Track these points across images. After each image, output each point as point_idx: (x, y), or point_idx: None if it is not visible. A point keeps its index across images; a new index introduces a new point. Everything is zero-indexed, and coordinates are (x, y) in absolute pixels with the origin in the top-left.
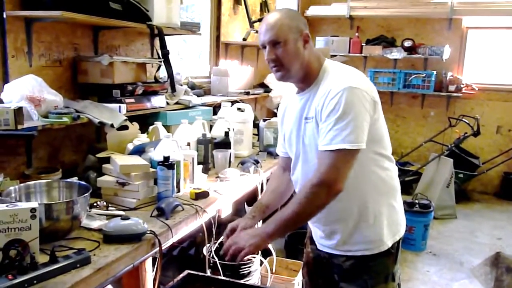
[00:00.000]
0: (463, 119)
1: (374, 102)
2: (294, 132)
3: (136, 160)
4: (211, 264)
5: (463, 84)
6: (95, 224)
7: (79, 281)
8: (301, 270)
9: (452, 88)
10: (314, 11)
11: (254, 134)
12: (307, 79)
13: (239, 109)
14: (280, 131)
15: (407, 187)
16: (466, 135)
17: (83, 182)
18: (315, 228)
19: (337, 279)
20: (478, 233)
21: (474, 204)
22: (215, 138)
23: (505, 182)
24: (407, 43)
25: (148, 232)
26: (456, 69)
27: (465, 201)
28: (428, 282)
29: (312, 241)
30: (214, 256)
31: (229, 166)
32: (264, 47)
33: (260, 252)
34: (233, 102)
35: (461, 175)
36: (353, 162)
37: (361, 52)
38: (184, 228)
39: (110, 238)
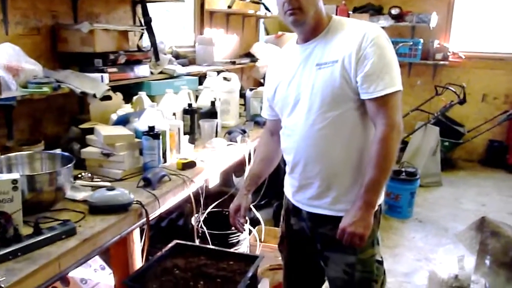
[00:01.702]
0: (449, 88)
1: None
2: (295, 81)
3: (121, 130)
4: (200, 234)
5: (449, 52)
6: (80, 195)
7: (65, 252)
8: (278, 247)
9: (439, 56)
10: None
11: (240, 104)
12: (316, 28)
13: (225, 78)
14: (266, 91)
15: None
16: (452, 103)
17: (66, 153)
18: (305, 191)
19: (320, 248)
20: (463, 200)
21: (459, 171)
22: (201, 108)
23: (489, 149)
24: (394, 11)
25: (135, 202)
26: (443, 37)
27: (450, 168)
28: (413, 248)
29: (295, 213)
30: (203, 226)
31: (216, 136)
32: None
33: (248, 221)
34: (218, 72)
35: (446, 143)
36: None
37: None
38: (171, 198)
39: (96, 209)
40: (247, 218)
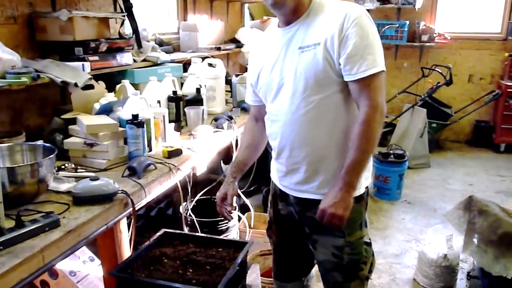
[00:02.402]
0: (436, 69)
1: None
2: (278, 65)
3: (104, 119)
4: (189, 222)
5: (435, 34)
6: (64, 186)
7: (49, 245)
8: (266, 232)
9: (425, 38)
10: None
11: (227, 90)
12: (297, 11)
13: (210, 64)
14: (249, 76)
15: (382, 139)
16: (438, 84)
17: (47, 144)
18: (291, 176)
19: (308, 231)
20: (450, 181)
21: (447, 152)
22: (187, 95)
23: (476, 130)
24: None
25: (120, 192)
26: (428, 18)
27: (438, 150)
28: (403, 229)
29: (282, 198)
30: (191, 213)
31: (202, 123)
32: None
33: (238, 208)
34: (203, 58)
35: (434, 125)
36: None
37: None
38: (157, 187)
39: (80, 200)
40: (235, 205)
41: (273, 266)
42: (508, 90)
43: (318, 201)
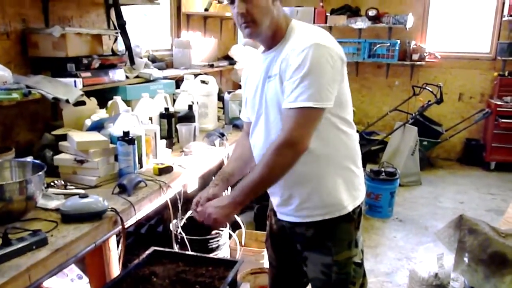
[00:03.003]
0: (427, 87)
1: (342, 61)
2: (258, 92)
3: (95, 136)
4: (179, 240)
5: (426, 53)
6: (52, 204)
7: (36, 263)
8: (265, 243)
9: (415, 57)
10: None
11: (219, 107)
12: (275, 37)
13: (202, 81)
14: (243, 96)
15: (373, 156)
16: (429, 103)
17: (37, 161)
18: (272, 196)
19: (300, 249)
20: (441, 198)
21: (438, 170)
22: (179, 112)
23: (467, 148)
24: (371, 12)
25: (109, 209)
26: (419, 37)
27: (429, 167)
28: (395, 247)
29: (275, 213)
30: (181, 231)
31: (194, 140)
32: (232, 2)
33: (229, 225)
34: (196, 75)
35: (425, 143)
36: (318, 121)
37: (326, 22)
38: (148, 204)
39: (68, 218)
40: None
41: (269, 279)
42: (498, 109)
43: (301, 223)
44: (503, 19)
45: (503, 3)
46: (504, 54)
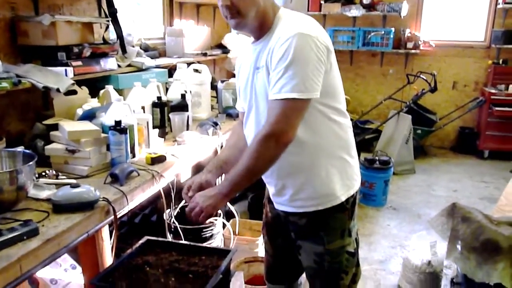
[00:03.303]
0: (421, 76)
1: (328, 50)
2: (249, 83)
3: (86, 125)
4: (172, 229)
5: (420, 41)
6: (44, 194)
7: (27, 254)
8: (261, 230)
9: (410, 45)
10: None
11: (212, 96)
12: (262, 28)
13: (195, 70)
14: (237, 85)
15: (367, 145)
16: (423, 91)
17: (27, 151)
18: (268, 186)
19: (294, 237)
20: (435, 187)
21: (432, 158)
22: (171, 101)
23: (460, 136)
24: (366, 0)
25: (101, 199)
26: (414, 26)
27: (423, 156)
28: (388, 235)
29: (270, 201)
30: (175, 221)
31: (187, 129)
32: None
33: (222, 214)
34: (189, 64)
35: (419, 131)
36: (303, 112)
37: (320, 10)
38: (140, 194)
39: (60, 208)
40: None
41: (264, 267)
42: (492, 97)
43: (295, 213)
44: (498, 6)
45: None
46: (499, 42)
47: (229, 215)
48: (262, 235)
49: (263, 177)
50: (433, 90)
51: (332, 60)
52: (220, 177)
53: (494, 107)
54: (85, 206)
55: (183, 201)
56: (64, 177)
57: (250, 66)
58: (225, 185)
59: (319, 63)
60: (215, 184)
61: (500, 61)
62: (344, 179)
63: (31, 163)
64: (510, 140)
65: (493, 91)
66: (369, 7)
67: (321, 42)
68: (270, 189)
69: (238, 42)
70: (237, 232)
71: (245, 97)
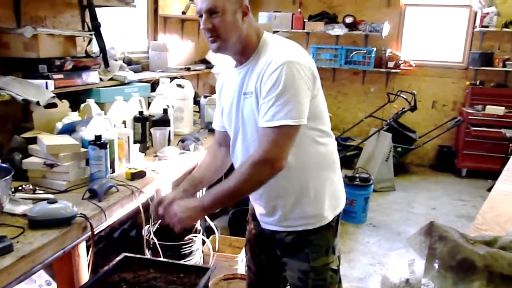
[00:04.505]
0: (401, 95)
1: (314, 77)
2: (234, 107)
3: (66, 139)
4: (151, 246)
5: (401, 61)
6: (20, 209)
7: (0, 271)
8: (244, 247)
9: (391, 64)
10: None
11: (195, 111)
12: (245, 52)
13: (178, 85)
14: (217, 105)
15: (348, 162)
16: (403, 110)
17: (4, 165)
18: (256, 206)
19: (280, 254)
20: (414, 204)
21: (412, 176)
22: (153, 116)
23: (439, 154)
24: (348, 20)
25: (78, 215)
26: (394, 46)
27: (403, 173)
28: (368, 252)
29: (255, 218)
30: (153, 237)
31: (169, 145)
32: (201, 16)
33: (202, 231)
34: (172, 79)
35: (399, 149)
36: (294, 138)
37: (303, 28)
38: (119, 210)
39: (36, 223)
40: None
41: (246, 284)
42: (469, 117)
43: (282, 231)
44: (475, 29)
45: (475, 15)
46: (476, 64)
47: (209, 231)
48: (244, 252)
49: (251, 199)
50: (413, 109)
51: (318, 85)
52: (192, 196)
53: (471, 127)
54: (62, 222)
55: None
56: (42, 191)
57: (235, 90)
58: (207, 200)
59: (307, 90)
60: None
61: (477, 82)
62: (331, 199)
63: (7, 177)
64: (487, 160)
65: (470, 111)
66: (352, 27)
67: (308, 69)
68: (258, 209)
69: (221, 57)
70: (216, 249)
71: (230, 121)
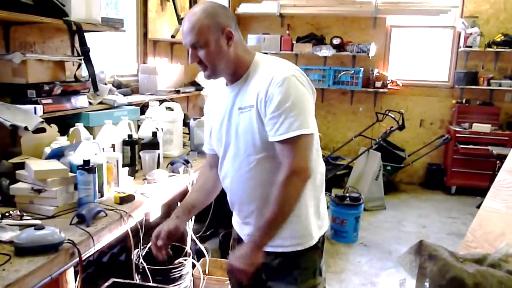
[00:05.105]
0: (389, 114)
1: (313, 91)
2: (225, 124)
3: (54, 164)
4: (140, 270)
5: (388, 81)
6: (6, 235)
7: None
8: (227, 274)
9: (378, 84)
10: (245, 8)
11: (185, 133)
12: (237, 71)
13: (168, 108)
14: (206, 126)
15: (338, 181)
16: (392, 129)
17: None
18: (244, 226)
19: (265, 278)
20: (405, 223)
21: (401, 194)
22: (143, 139)
23: (428, 172)
24: (336, 41)
25: (66, 241)
26: (381, 66)
27: (393, 192)
28: (359, 272)
29: (240, 242)
30: (143, 261)
31: (158, 167)
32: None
33: (192, 254)
34: (162, 101)
35: (389, 168)
36: (312, 146)
37: (292, 50)
38: (107, 235)
39: (22, 251)
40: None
41: None
42: (457, 135)
43: (270, 253)
44: (459, 49)
45: (459, 35)
46: (461, 82)
47: (199, 254)
48: (228, 278)
49: (239, 219)
50: (401, 128)
51: (314, 99)
52: (188, 222)
53: (459, 145)
54: (49, 248)
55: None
56: (29, 217)
57: (226, 107)
58: (258, 237)
59: (312, 102)
60: (184, 229)
61: (464, 101)
62: (318, 219)
63: None
64: (476, 177)
65: (458, 129)
66: (339, 48)
67: (309, 84)
68: (245, 229)
69: (211, 81)
70: (207, 272)
71: (220, 138)
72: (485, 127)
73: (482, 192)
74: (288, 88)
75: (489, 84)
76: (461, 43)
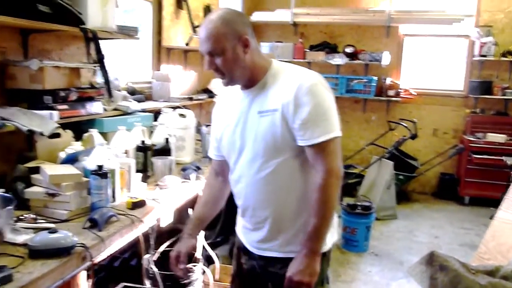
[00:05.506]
0: (402, 123)
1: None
2: (239, 127)
3: (68, 169)
4: (151, 275)
5: (401, 89)
6: (21, 238)
7: None
8: (230, 284)
9: (391, 93)
10: (258, 17)
11: (198, 140)
12: (254, 77)
13: (181, 115)
14: (213, 132)
15: (350, 189)
16: (404, 138)
17: (6, 194)
18: (253, 233)
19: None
20: (417, 233)
21: (414, 204)
22: (155, 145)
23: (441, 182)
24: (349, 49)
25: (78, 245)
26: (394, 74)
27: (405, 201)
28: (369, 282)
29: (245, 252)
30: (153, 266)
31: (170, 174)
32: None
33: (203, 260)
34: (175, 108)
35: (401, 177)
36: (340, 148)
37: (304, 58)
38: (119, 239)
39: (36, 253)
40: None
41: None
42: (470, 144)
43: (280, 259)
44: (473, 59)
45: (473, 44)
46: (476, 92)
47: (209, 260)
48: None
49: (250, 223)
50: (414, 137)
51: None
52: (199, 234)
53: (473, 155)
54: (62, 252)
55: (163, 246)
56: (43, 221)
57: (241, 111)
58: (308, 246)
59: (335, 105)
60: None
61: (478, 110)
62: (331, 226)
63: (9, 207)
64: (490, 187)
65: (472, 138)
66: (352, 56)
67: (329, 87)
68: (256, 235)
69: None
70: (217, 278)
71: (233, 142)
72: (500, 137)
73: (496, 203)
74: (317, 94)
75: (503, 94)
76: (476, 52)
